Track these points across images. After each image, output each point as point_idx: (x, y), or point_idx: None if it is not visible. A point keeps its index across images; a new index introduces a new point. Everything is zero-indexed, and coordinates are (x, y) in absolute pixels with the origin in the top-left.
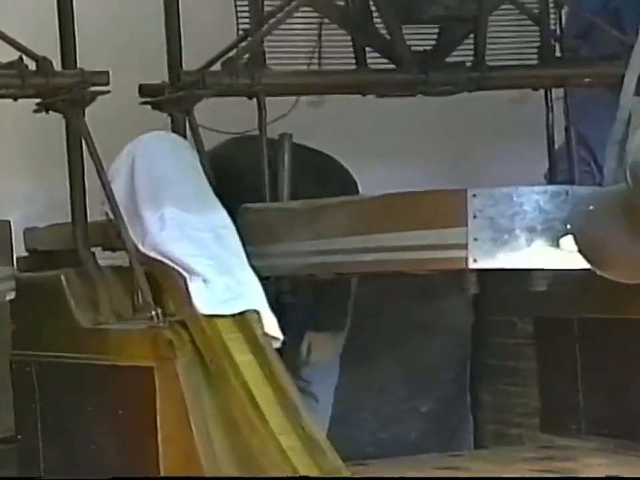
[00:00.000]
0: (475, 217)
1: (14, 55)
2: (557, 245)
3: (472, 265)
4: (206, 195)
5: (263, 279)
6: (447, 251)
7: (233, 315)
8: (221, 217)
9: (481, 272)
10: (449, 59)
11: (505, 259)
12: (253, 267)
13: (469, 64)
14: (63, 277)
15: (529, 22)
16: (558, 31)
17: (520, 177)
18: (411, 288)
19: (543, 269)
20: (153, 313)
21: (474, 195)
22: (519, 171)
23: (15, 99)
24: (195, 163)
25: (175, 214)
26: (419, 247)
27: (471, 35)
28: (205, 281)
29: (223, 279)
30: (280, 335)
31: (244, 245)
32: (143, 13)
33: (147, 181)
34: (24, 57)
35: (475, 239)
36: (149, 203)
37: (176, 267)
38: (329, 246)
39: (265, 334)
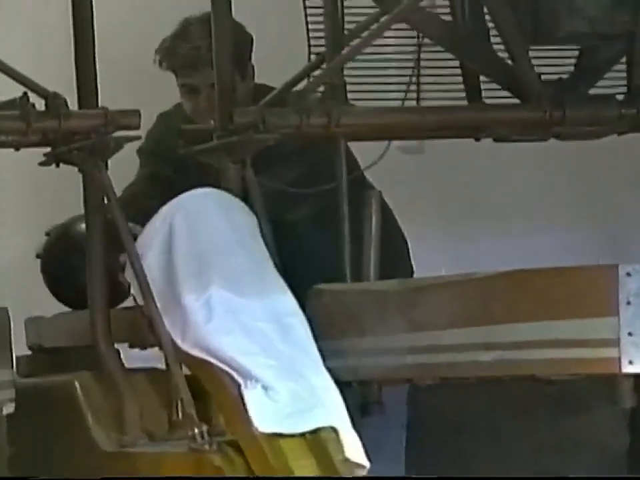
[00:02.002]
0: (629, 303)
1: (18, 91)
2: None
3: (626, 369)
4: (266, 271)
5: (343, 385)
6: (592, 350)
7: (303, 434)
8: (287, 301)
9: (638, 378)
10: (592, 91)
11: None
12: (329, 369)
13: (620, 97)
14: (77, 383)
15: None
16: None
17: None
18: (542, 398)
19: None
20: (197, 430)
21: (628, 274)
22: None
23: (17, 149)
24: (252, 228)
25: (226, 298)
26: (554, 343)
27: (623, 58)
28: (265, 388)
29: (289, 386)
30: (366, 462)
31: (316, 339)
32: None
33: (189, 254)
34: (30, 93)
35: (630, 334)
36: (191, 284)
37: (227, 369)
38: (433, 341)
39: (347, 460)
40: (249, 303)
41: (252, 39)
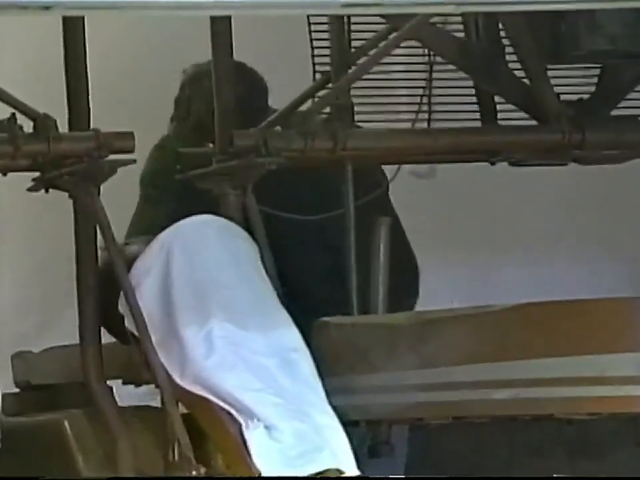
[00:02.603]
0: None
1: (6, 112)
2: None
3: None
4: (269, 304)
5: (350, 425)
6: (614, 387)
7: (309, 477)
8: (291, 335)
9: None
10: (614, 112)
11: None
12: (336, 407)
13: None
14: (66, 423)
15: None
16: None
17: None
18: (561, 438)
19: None
20: (194, 473)
21: None
22: None
23: (4, 173)
24: (254, 258)
25: (228, 331)
26: (574, 380)
27: None
28: (268, 427)
29: (294, 425)
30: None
31: (322, 374)
32: (174, 52)
33: (188, 284)
34: (18, 114)
35: None
36: (190, 316)
37: (228, 407)
38: (445, 378)
39: None
40: (252, 336)
41: (265, 84)
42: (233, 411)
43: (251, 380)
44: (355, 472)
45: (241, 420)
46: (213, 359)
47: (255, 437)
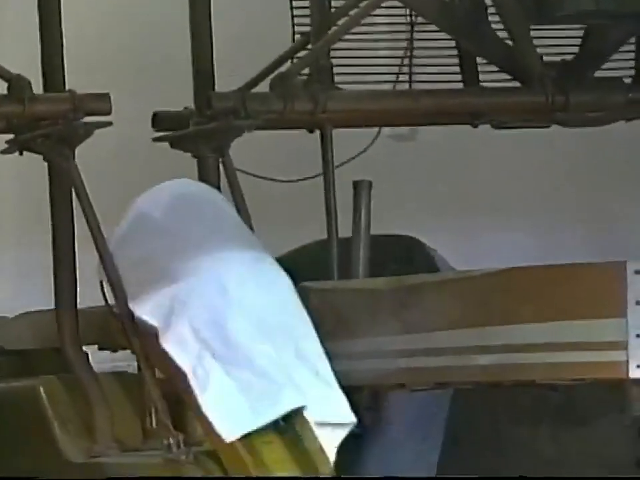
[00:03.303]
0: (637, 303)
1: None
2: None
3: (634, 373)
4: (260, 255)
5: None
6: (597, 353)
7: (277, 430)
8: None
9: None
10: (597, 74)
11: None
12: None
13: (627, 80)
14: (42, 388)
15: None
16: None
17: None
18: (544, 407)
19: None
20: (172, 440)
21: (636, 271)
22: None
23: None
24: (235, 219)
25: (215, 281)
26: (557, 346)
27: (631, 39)
28: (222, 382)
29: (247, 371)
30: (352, 419)
31: None
32: (155, 13)
33: (170, 243)
34: None
35: (639, 336)
36: (178, 269)
37: (186, 368)
38: (427, 343)
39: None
40: (240, 280)
41: None
42: (189, 375)
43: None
44: (334, 391)
45: (194, 383)
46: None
47: (209, 400)
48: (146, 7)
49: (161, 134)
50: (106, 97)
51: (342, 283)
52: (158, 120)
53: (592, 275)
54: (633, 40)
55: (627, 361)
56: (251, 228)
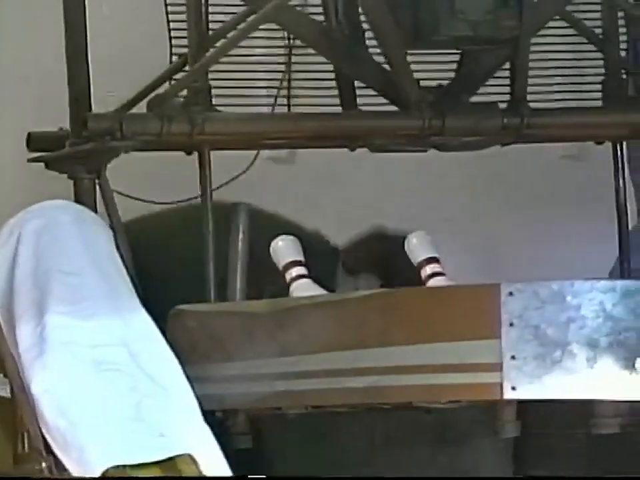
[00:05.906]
0: (511, 324)
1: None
2: (633, 367)
3: (508, 395)
4: (120, 289)
5: (206, 415)
6: (472, 375)
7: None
8: (139, 324)
9: (523, 405)
10: (474, 99)
11: (556, 387)
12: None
13: (503, 106)
14: None
15: (589, 46)
16: (630, 60)
17: (578, 265)
18: (420, 428)
19: (611, 401)
20: (44, 465)
21: (510, 293)
22: (576, 257)
23: None
24: (107, 244)
25: (64, 324)
26: (431, 368)
27: (507, 64)
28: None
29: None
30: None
31: (180, 364)
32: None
33: (32, 275)
34: None
35: (513, 357)
36: (27, 312)
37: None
38: (303, 366)
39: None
40: (92, 326)
41: None
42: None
43: (76, 381)
44: (213, 453)
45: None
46: (41, 359)
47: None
48: (19, 23)
49: (36, 154)
50: None
51: (218, 306)
52: (33, 140)
53: (466, 296)
54: (507, 65)
55: (501, 383)
56: (127, 250)
